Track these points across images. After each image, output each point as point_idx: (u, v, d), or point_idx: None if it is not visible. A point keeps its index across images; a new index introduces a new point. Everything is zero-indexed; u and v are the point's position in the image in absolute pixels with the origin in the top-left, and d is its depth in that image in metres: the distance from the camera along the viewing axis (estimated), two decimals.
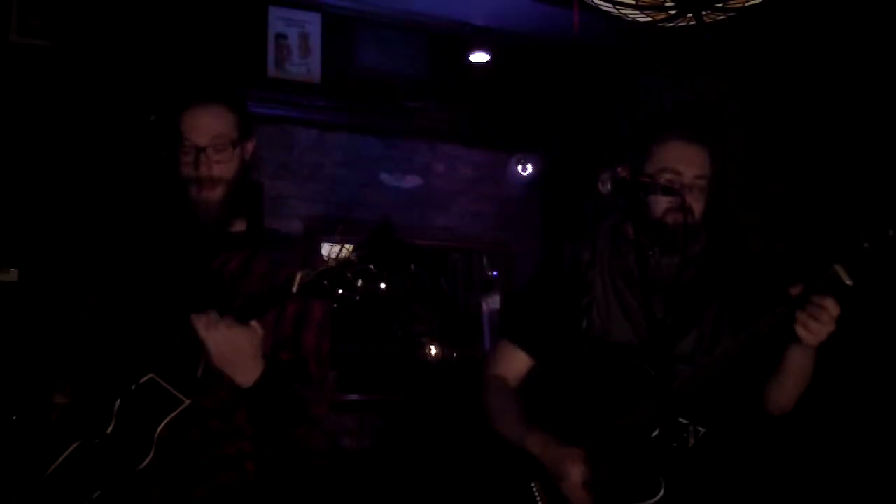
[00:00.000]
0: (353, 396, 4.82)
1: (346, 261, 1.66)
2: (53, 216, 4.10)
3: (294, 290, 1.69)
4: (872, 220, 1.74)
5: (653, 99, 4.88)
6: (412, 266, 1.65)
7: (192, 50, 4.52)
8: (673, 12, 2.74)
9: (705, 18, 2.77)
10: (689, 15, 2.75)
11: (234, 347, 1.72)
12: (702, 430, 2.00)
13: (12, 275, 3.99)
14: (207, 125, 1.96)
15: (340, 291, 1.65)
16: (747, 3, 2.72)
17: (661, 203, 2.02)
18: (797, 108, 4.01)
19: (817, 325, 1.79)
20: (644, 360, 2.01)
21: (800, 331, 1.81)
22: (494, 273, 5.69)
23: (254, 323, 1.75)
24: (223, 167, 1.97)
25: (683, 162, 2.04)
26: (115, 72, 4.33)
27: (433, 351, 5.61)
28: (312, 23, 4.93)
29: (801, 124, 3.99)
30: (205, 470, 1.86)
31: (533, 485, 2.05)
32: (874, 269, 1.73)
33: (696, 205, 2.04)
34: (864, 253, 1.74)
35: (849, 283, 1.75)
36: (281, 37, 4.85)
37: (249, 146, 2.07)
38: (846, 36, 3.75)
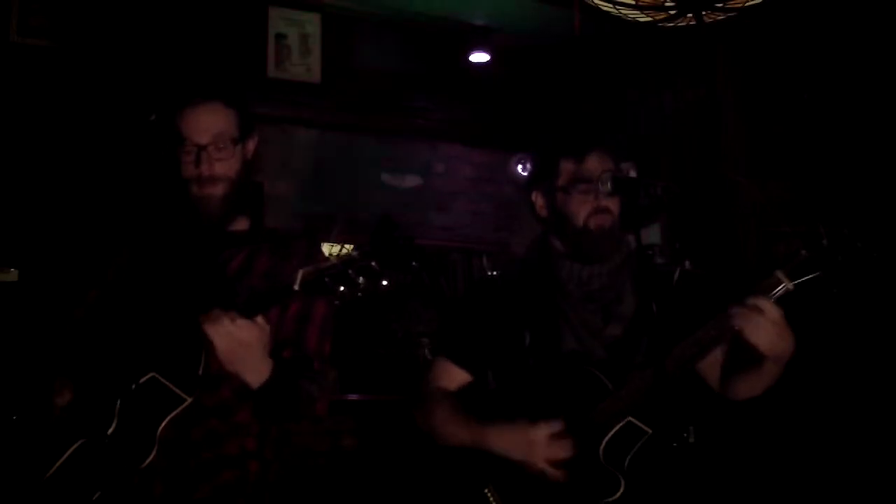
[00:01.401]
0: (353, 396, 4.82)
1: (348, 258, 1.66)
2: (53, 216, 4.09)
3: (296, 287, 1.69)
4: (811, 231, 1.80)
5: (653, 99, 4.88)
6: (414, 263, 1.65)
7: (192, 50, 4.52)
8: (673, 12, 2.75)
9: (705, 18, 2.77)
10: (689, 15, 2.75)
11: (241, 344, 1.72)
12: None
13: (12, 275, 3.99)
14: (208, 123, 1.96)
15: (342, 289, 1.65)
16: (747, 3, 2.72)
17: (583, 209, 2.06)
18: (797, 107, 4.01)
19: (756, 329, 1.79)
20: (594, 366, 2.00)
21: (746, 334, 1.81)
22: (494, 273, 5.68)
23: (259, 319, 1.75)
24: (224, 165, 1.97)
25: (597, 171, 2.05)
26: (115, 72, 4.33)
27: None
28: (312, 23, 4.93)
29: (801, 124, 3.99)
30: (207, 469, 1.86)
31: (486, 490, 2.02)
32: (817, 277, 1.79)
33: (615, 207, 2.07)
34: (803, 259, 1.79)
35: (790, 286, 1.79)
36: (281, 37, 4.85)
37: (251, 144, 2.07)
38: (846, 36, 3.75)
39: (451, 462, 2.10)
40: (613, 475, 1.91)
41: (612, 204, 2.07)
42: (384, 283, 1.64)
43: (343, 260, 1.66)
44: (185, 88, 2.04)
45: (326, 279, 1.66)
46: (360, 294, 1.65)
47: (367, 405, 4.85)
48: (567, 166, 2.09)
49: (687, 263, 2.12)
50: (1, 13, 4.19)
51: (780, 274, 1.80)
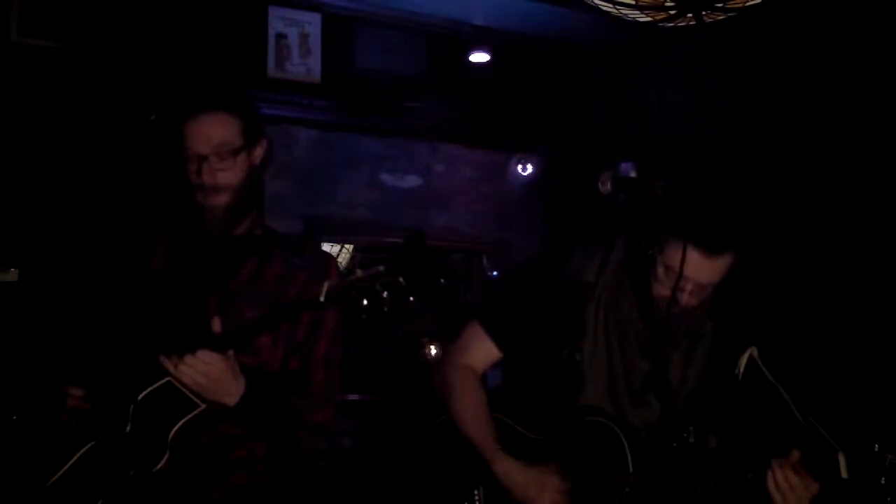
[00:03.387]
0: (354, 396, 4.82)
1: (376, 273, 1.65)
2: (53, 216, 4.09)
3: (321, 299, 1.69)
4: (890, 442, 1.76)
5: (653, 99, 4.88)
6: (442, 280, 1.64)
7: (192, 50, 4.51)
8: (673, 12, 2.74)
9: (705, 18, 2.77)
10: (689, 15, 2.75)
11: (207, 377, 1.74)
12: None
13: (12, 275, 3.98)
14: (209, 134, 1.95)
15: (366, 302, 1.64)
16: (747, 3, 2.72)
17: (660, 290, 1.93)
18: (797, 107, 4.01)
19: (794, 496, 1.80)
20: (613, 420, 1.99)
21: (775, 496, 1.81)
22: (494, 273, 5.69)
23: (230, 352, 1.77)
24: (227, 175, 1.96)
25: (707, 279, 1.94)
26: (116, 71, 4.33)
27: (433, 351, 5.62)
28: (312, 23, 4.92)
29: (801, 124, 3.99)
30: (218, 472, 1.87)
31: (476, 492, 2.02)
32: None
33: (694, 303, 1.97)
34: (871, 456, 1.74)
35: (845, 476, 1.76)
36: (281, 37, 4.85)
37: (258, 150, 2.05)
38: (846, 36, 3.75)
39: (447, 458, 2.09)
40: None
41: (692, 300, 1.94)
42: (411, 299, 1.64)
43: (370, 274, 1.65)
44: (186, 96, 2.03)
45: (353, 293, 1.66)
46: (386, 309, 1.65)
47: (367, 405, 4.86)
48: (692, 254, 1.88)
49: (754, 352, 2.03)
50: (1, 13, 4.19)
51: (842, 459, 1.77)
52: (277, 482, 1.94)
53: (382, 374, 5.18)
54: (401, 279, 1.62)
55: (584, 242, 2.15)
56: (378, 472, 4.46)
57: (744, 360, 2.02)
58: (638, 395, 2.03)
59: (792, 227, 3.91)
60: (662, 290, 1.92)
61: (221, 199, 1.96)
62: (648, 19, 2.81)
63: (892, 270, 3.35)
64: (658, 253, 1.93)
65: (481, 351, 2.17)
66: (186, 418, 1.78)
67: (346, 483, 4.49)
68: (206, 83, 4.35)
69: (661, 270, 1.93)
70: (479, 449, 2.04)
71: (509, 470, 1.99)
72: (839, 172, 3.73)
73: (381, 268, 1.66)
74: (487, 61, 5.21)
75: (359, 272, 1.67)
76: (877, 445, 1.73)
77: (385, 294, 1.63)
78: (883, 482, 1.71)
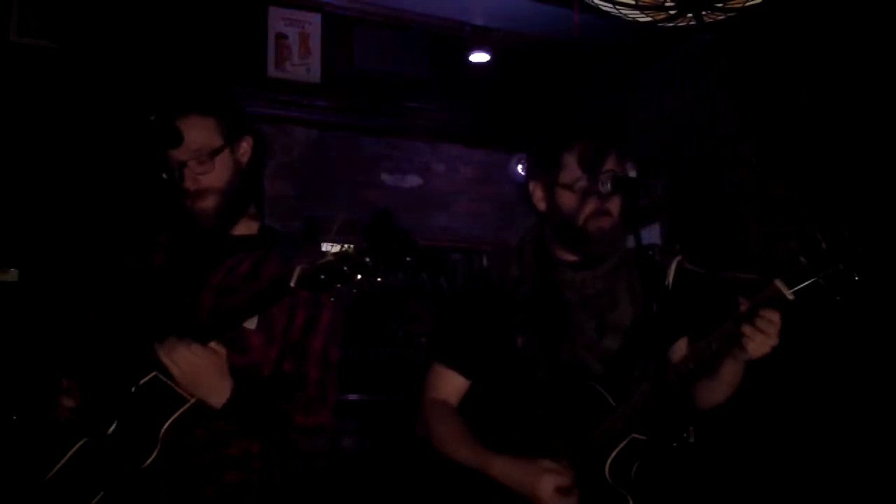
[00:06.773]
0: (353, 396, 4.82)
1: (344, 254, 1.66)
2: (53, 216, 4.09)
3: (292, 284, 1.69)
4: (810, 239, 1.77)
5: (653, 99, 4.88)
6: (408, 259, 1.64)
7: (191, 50, 4.51)
8: (673, 12, 2.75)
9: (705, 18, 2.77)
10: (689, 15, 2.75)
11: (194, 370, 1.73)
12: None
13: (12, 275, 3.98)
14: (185, 139, 1.93)
15: (338, 286, 1.65)
16: (747, 3, 2.72)
17: (584, 209, 2.02)
18: (797, 107, 4.01)
19: (762, 337, 1.80)
20: (593, 381, 1.99)
21: (747, 344, 1.82)
22: (486, 267, 5.67)
23: (213, 344, 1.76)
24: (210, 177, 1.95)
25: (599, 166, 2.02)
26: (116, 72, 4.33)
27: None
28: (312, 23, 4.92)
29: (801, 124, 3.99)
30: (212, 469, 1.86)
31: None
32: (816, 285, 1.76)
33: (616, 208, 2.04)
34: (802, 268, 1.76)
35: (790, 297, 1.77)
36: (281, 37, 4.85)
37: (244, 146, 2.03)
38: (846, 35, 3.75)
39: (460, 478, 2.08)
40: (620, 494, 1.89)
41: (614, 206, 2.03)
42: (378, 279, 1.64)
43: (338, 256, 1.66)
44: (168, 100, 2.02)
45: (322, 276, 1.66)
46: (355, 290, 1.65)
47: (367, 405, 4.85)
48: (571, 162, 2.04)
49: (681, 259, 2.07)
50: (1, 13, 4.19)
51: (779, 283, 1.78)
52: (273, 481, 1.94)
53: (382, 374, 5.17)
54: (367, 259, 1.62)
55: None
56: (378, 473, 4.46)
57: (672, 269, 2.06)
58: (594, 345, 2.04)
59: (792, 227, 3.91)
60: (587, 205, 2.01)
61: (209, 203, 1.95)
62: (648, 19, 2.81)
63: (893, 269, 3.35)
64: (554, 178, 2.04)
65: (449, 385, 2.17)
66: (177, 414, 1.78)
67: (346, 483, 4.48)
68: (183, 86, 4.33)
69: (565, 193, 2.03)
70: (473, 466, 2.02)
71: (503, 471, 1.97)
72: (840, 172, 3.73)
73: (350, 249, 1.66)
74: (487, 61, 5.21)
75: (329, 256, 1.67)
76: (824, 244, 1.74)
77: (357, 276, 1.64)
78: (841, 268, 1.73)
